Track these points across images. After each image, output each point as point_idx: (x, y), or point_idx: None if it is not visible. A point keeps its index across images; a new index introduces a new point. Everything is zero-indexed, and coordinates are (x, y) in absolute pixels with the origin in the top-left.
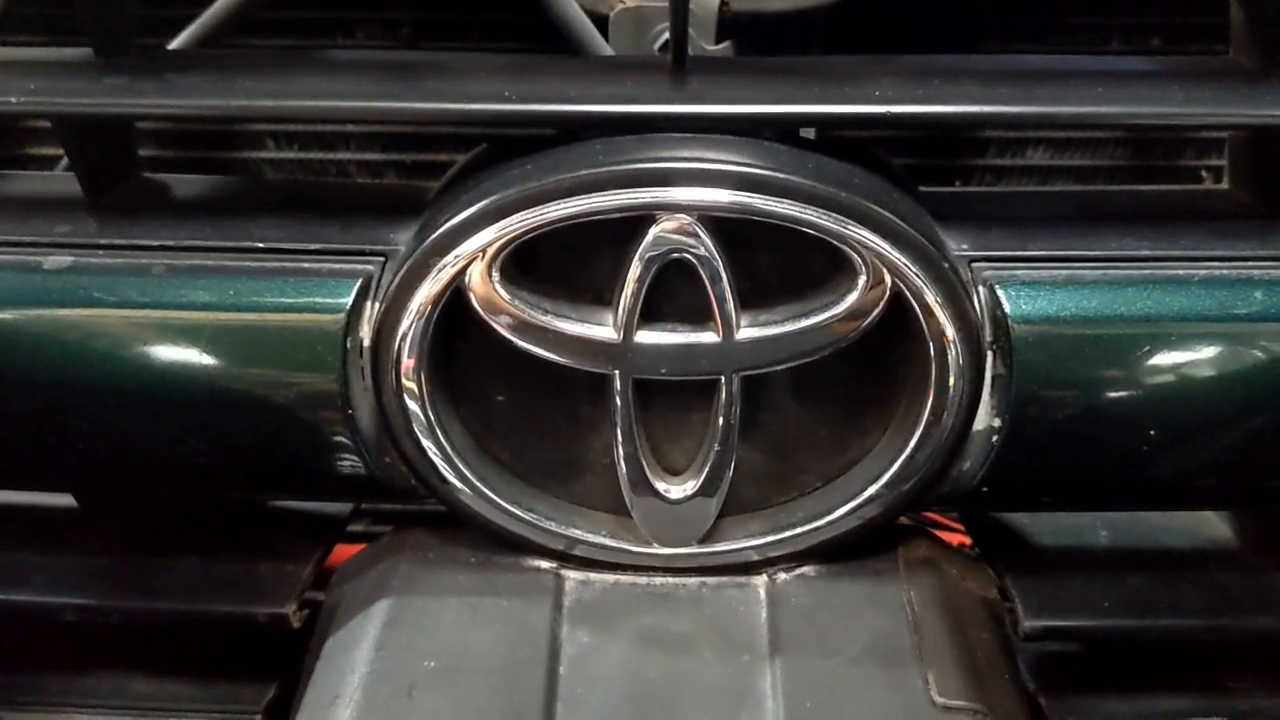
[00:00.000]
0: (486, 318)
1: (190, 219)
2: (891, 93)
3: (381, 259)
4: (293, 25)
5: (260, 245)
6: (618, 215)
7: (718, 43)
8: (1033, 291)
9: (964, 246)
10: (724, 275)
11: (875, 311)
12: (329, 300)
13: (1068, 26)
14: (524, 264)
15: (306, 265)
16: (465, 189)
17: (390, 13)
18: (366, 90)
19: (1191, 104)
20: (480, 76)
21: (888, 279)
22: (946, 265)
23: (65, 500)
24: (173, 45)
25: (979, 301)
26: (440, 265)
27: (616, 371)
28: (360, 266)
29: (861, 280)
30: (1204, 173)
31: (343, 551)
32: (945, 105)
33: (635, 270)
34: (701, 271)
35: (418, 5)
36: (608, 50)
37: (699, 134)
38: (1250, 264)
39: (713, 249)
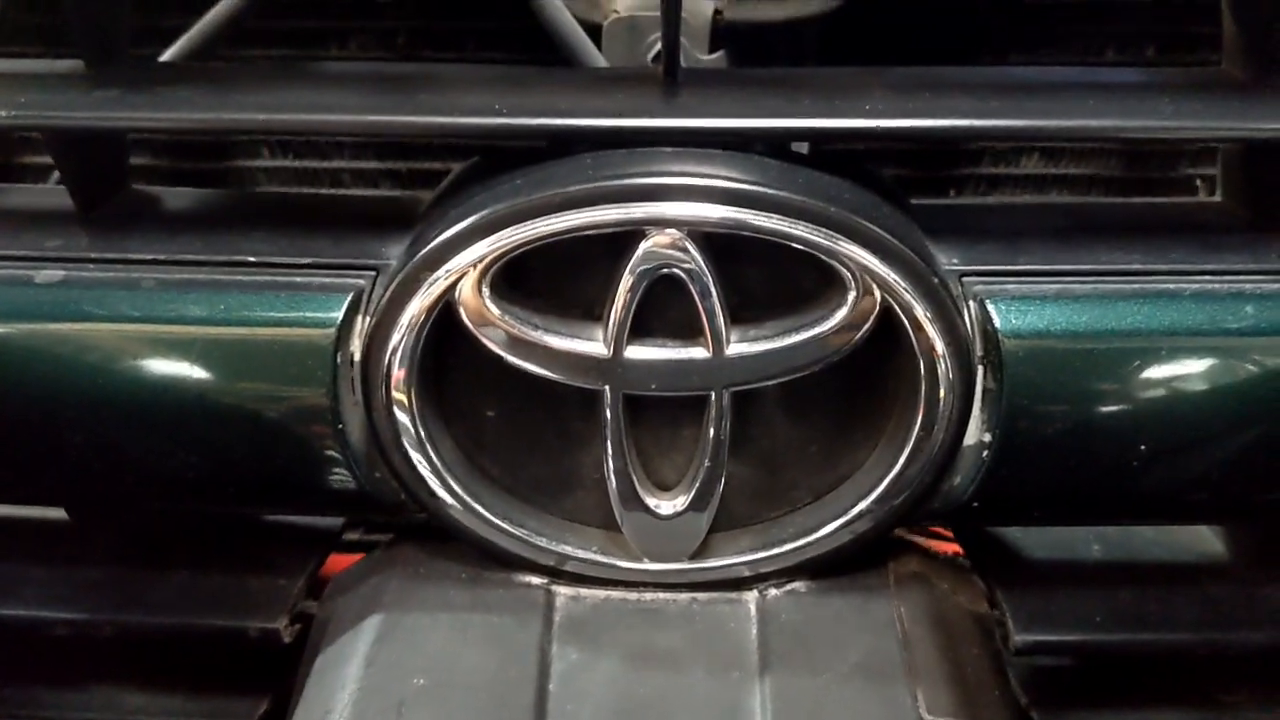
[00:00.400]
0: (476, 333)
1: (181, 233)
2: (882, 106)
3: (372, 273)
4: (288, 35)
5: (251, 259)
6: (608, 230)
7: (711, 52)
8: (1023, 306)
9: (954, 260)
10: (714, 290)
11: (865, 326)
12: (320, 315)
13: (1063, 34)
14: (514, 278)
15: (297, 280)
16: (456, 203)
17: (385, 22)
18: (357, 104)
19: (1181, 117)
20: (471, 89)
21: (877, 294)
22: (936, 280)
23: (57, 513)
24: (166, 56)
25: (969, 316)
26: (431, 280)
27: (606, 387)
28: (351, 281)
29: (851, 295)
30: (1198, 181)
31: (338, 561)
32: (935, 119)
33: (625, 286)
34: (691, 287)
35: (412, 15)
36: (601, 60)
37: (689, 148)
38: (1242, 278)
39: (702, 264)
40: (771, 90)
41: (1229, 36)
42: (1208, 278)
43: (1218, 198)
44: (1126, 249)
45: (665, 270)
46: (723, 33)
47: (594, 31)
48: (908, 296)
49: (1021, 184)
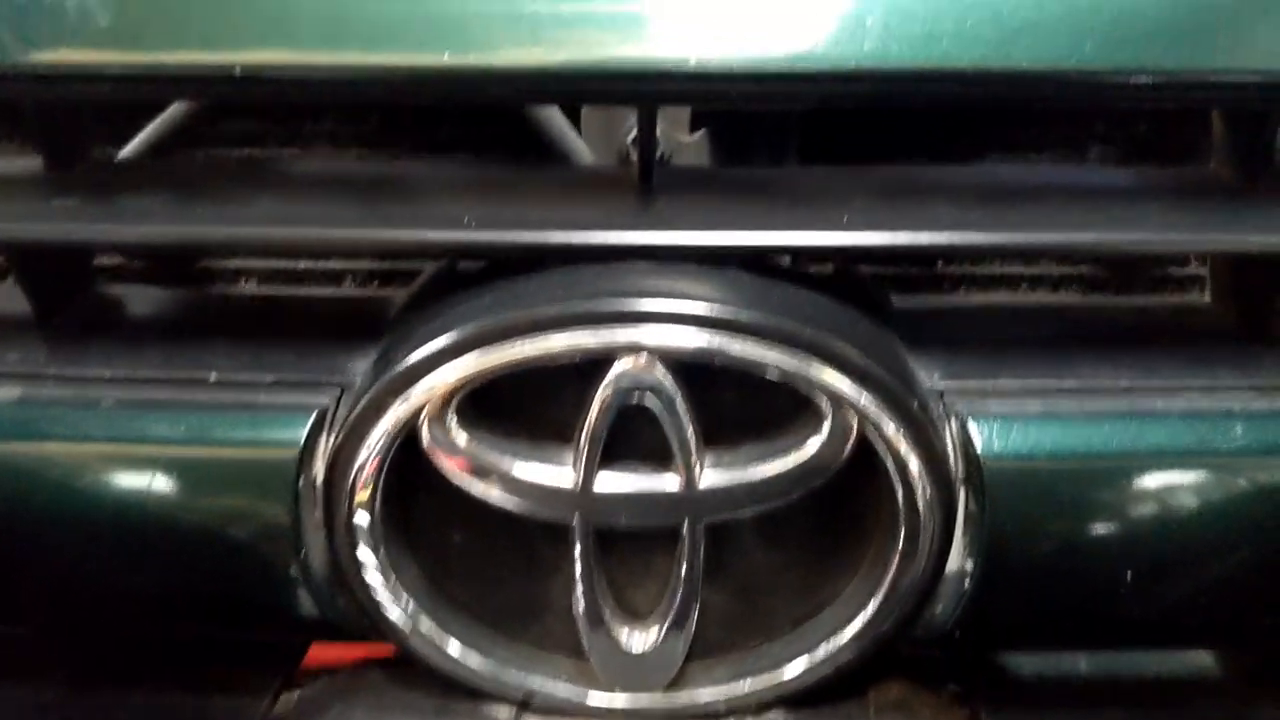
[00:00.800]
0: (442, 467)
1: (143, 343)
2: (861, 217)
3: (338, 390)
4: (259, 109)
5: (212, 379)
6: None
7: (692, 132)
8: (1005, 426)
9: (935, 374)
10: (686, 420)
11: (843, 454)
12: (282, 435)
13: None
14: (482, 397)
15: (260, 399)
16: (424, 318)
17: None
18: (323, 215)
19: (1168, 229)
20: (441, 196)
21: (854, 419)
22: (915, 404)
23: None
24: (133, 144)
25: (950, 435)
26: (396, 405)
27: (575, 520)
28: (315, 399)
29: (827, 425)
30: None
31: (319, 652)
32: (915, 232)
33: (594, 415)
34: (663, 417)
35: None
36: (579, 145)
37: (664, 263)
38: (1231, 394)
39: (675, 390)
40: (748, 197)
41: (1219, 136)
42: (1196, 395)
43: (1207, 297)
44: (1113, 361)
45: (637, 395)
46: (703, 113)
47: (573, 111)
48: (885, 423)
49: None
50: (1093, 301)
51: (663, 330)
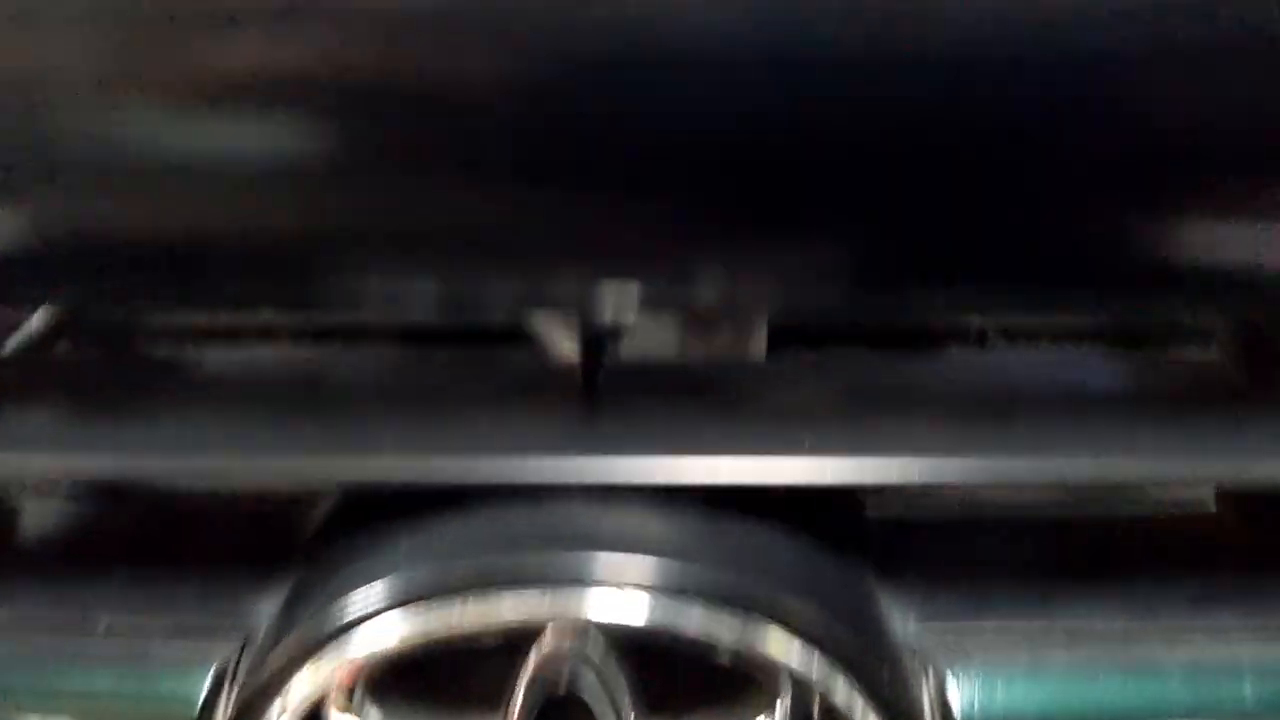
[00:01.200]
0: None
1: (29, 576)
2: (826, 438)
3: (241, 639)
4: None
5: (102, 629)
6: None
7: None
8: (989, 685)
9: (910, 616)
10: (627, 706)
11: None
12: (179, 691)
13: None
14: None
15: (153, 652)
16: (332, 564)
17: None
18: (221, 439)
19: (1169, 457)
20: (361, 409)
21: (817, 700)
22: (885, 675)
23: None
24: (20, 334)
25: (927, 692)
26: (301, 673)
27: None
28: (216, 647)
29: (783, 703)
30: None
31: None
32: (885, 462)
33: (519, 700)
34: (598, 705)
35: None
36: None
37: (605, 497)
38: (1238, 638)
39: (613, 668)
40: (702, 406)
41: (1222, 331)
42: (1201, 641)
43: (1210, 503)
44: (1108, 595)
45: (569, 674)
46: None
47: None
48: (850, 697)
49: None
50: (1087, 510)
51: (605, 599)
